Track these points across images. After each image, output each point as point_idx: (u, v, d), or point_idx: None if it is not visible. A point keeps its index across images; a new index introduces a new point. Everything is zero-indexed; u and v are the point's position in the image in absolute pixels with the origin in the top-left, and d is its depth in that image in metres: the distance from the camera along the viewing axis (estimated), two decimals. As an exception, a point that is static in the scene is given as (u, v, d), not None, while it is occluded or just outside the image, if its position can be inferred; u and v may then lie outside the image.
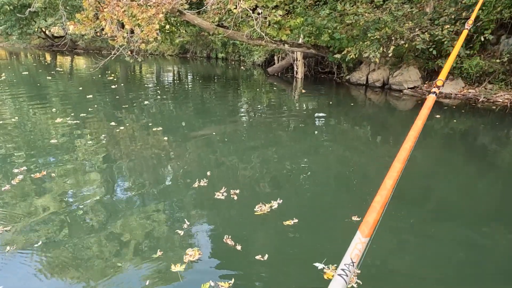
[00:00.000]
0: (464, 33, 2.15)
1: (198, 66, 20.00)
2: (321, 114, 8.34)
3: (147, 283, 2.54)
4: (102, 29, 9.74)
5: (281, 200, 3.68)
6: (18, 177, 4.23)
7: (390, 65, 11.12)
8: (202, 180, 4.17)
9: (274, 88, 12.38)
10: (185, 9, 10.47)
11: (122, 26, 9.86)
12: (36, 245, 2.96)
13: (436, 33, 8.87)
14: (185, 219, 3.35)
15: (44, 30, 27.87)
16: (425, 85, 10.29)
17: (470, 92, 9.34)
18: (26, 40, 26.82)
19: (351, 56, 10.04)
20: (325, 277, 2.57)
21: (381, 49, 9.55)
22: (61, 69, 17.21)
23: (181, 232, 3.16)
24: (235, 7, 9.11)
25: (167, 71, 18.12)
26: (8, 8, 19.48)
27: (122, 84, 12.39)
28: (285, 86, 12.71)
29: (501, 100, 8.76)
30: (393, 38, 9.50)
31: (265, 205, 3.59)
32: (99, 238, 3.09)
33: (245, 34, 10.60)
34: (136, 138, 6.16)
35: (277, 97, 10.86)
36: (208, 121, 7.47)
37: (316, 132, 6.83)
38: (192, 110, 8.74)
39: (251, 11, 9.38)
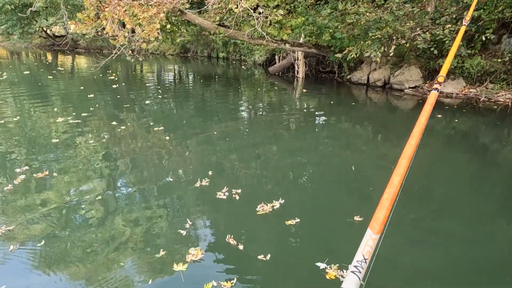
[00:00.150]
0: (462, 29, 2.16)
1: (199, 66, 20.00)
2: (322, 114, 8.34)
3: (149, 282, 2.55)
4: (103, 29, 9.73)
5: (283, 200, 3.68)
6: (20, 176, 4.24)
7: (391, 64, 11.11)
8: (203, 180, 4.18)
9: (275, 88, 12.37)
10: (186, 9, 10.46)
11: (123, 25, 9.86)
12: (39, 244, 2.97)
13: (437, 32, 8.86)
14: (187, 219, 3.36)
15: (45, 29, 27.89)
16: (426, 84, 10.28)
17: (471, 92, 9.33)
18: (28, 40, 26.86)
19: (352, 56, 10.03)
20: (327, 277, 2.57)
21: (382, 48, 9.54)
22: (62, 69, 17.23)
23: (184, 232, 3.16)
24: (236, 6, 9.10)
25: (168, 70, 18.12)
26: (10, 8, 19.51)
27: (123, 84, 12.40)
28: (286, 86, 12.71)
29: (502, 100, 8.75)
30: (394, 37, 9.49)
31: (267, 205, 3.60)
32: (102, 238, 3.10)
33: (246, 33, 10.60)
34: (137, 137, 6.17)
35: (278, 96, 10.85)
36: (209, 121, 7.48)
37: (317, 131, 6.84)
38: (193, 110, 8.75)
39: (252, 11, 9.38)
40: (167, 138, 5.94)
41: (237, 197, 3.79)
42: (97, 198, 3.79)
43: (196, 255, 2.82)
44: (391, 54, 9.59)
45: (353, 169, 4.80)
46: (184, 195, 3.97)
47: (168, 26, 12.04)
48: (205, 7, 10.66)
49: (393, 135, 6.70)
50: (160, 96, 10.36)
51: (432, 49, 9.10)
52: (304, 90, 11.37)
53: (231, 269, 2.70)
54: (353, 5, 10.19)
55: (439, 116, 7.55)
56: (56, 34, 30.72)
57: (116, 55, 10.39)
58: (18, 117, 7.08)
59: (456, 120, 7.49)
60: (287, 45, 11.35)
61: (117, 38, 9.53)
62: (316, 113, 8.56)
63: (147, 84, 13.11)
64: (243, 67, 18.27)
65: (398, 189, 0.97)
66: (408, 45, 9.57)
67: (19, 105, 8.46)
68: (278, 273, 2.70)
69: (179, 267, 2.68)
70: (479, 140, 6.50)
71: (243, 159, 5.17)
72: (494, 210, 3.74)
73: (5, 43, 31.92)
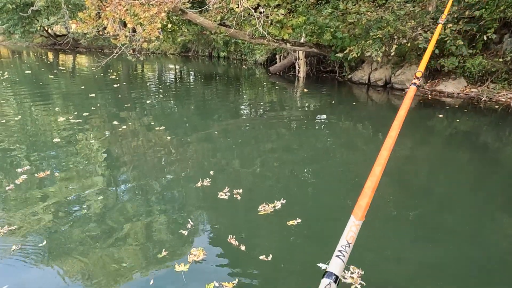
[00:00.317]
0: (439, 27, 2.17)
1: (200, 65, 19.99)
2: (323, 113, 8.33)
3: (151, 282, 2.56)
4: (104, 28, 9.73)
5: (284, 200, 3.69)
6: (22, 176, 4.25)
7: (392, 64, 11.09)
8: (205, 179, 4.18)
9: (276, 87, 12.36)
10: (187, 8, 10.46)
11: (124, 25, 9.87)
12: (40, 245, 2.98)
13: (439, 32, 8.83)
14: (189, 219, 3.36)
15: (46, 28, 27.89)
16: (428, 84, 10.25)
17: (472, 92, 9.31)
18: (29, 39, 26.92)
19: (353, 55, 10.02)
20: (329, 277, 2.57)
21: (383, 48, 9.52)
22: (64, 68, 17.24)
23: (185, 232, 3.17)
24: (237, 6, 9.10)
25: (169, 70, 18.12)
26: (11, 7, 19.53)
27: (124, 83, 12.41)
28: (287, 85, 12.70)
29: (503, 100, 8.73)
30: (395, 37, 9.47)
31: (268, 205, 3.60)
32: (103, 238, 3.10)
33: (247, 33, 10.58)
34: (138, 137, 6.17)
35: (279, 96, 10.85)
36: (210, 120, 7.48)
37: (318, 130, 6.83)
38: (194, 109, 8.75)
39: (253, 10, 9.37)
40: (168, 137, 5.95)
41: (239, 197, 3.79)
42: (98, 198, 3.80)
43: (197, 256, 2.83)
44: (392, 54, 9.57)
45: (354, 168, 4.80)
46: (185, 195, 3.97)
47: (169, 25, 12.02)
48: (206, 6, 10.67)
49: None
50: (161, 96, 10.36)
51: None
52: (305, 90, 11.36)
53: (233, 270, 2.71)
54: (354, 5, 10.17)
55: (440, 116, 7.54)
56: (57, 33, 30.71)
57: (117, 54, 10.40)
58: (19, 116, 7.09)
59: (458, 120, 7.48)
60: (288, 45, 11.34)
61: (118, 37, 9.53)
62: (317, 112, 8.55)
63: (148, 84, 13.11)
64: (244, 66, 18.25)
65: (379, 178, 1.04)
66: (409, 44, 9.55)
67: (20, 104, 8.47)
68: (279, 273, 2.70)
69: (180, 267, 2.68)
70: (481, 139, 6.49)
71: (244, 158, 5.17)
72: (495, 209, 3.74)
73: (7, 42, 31.94)
